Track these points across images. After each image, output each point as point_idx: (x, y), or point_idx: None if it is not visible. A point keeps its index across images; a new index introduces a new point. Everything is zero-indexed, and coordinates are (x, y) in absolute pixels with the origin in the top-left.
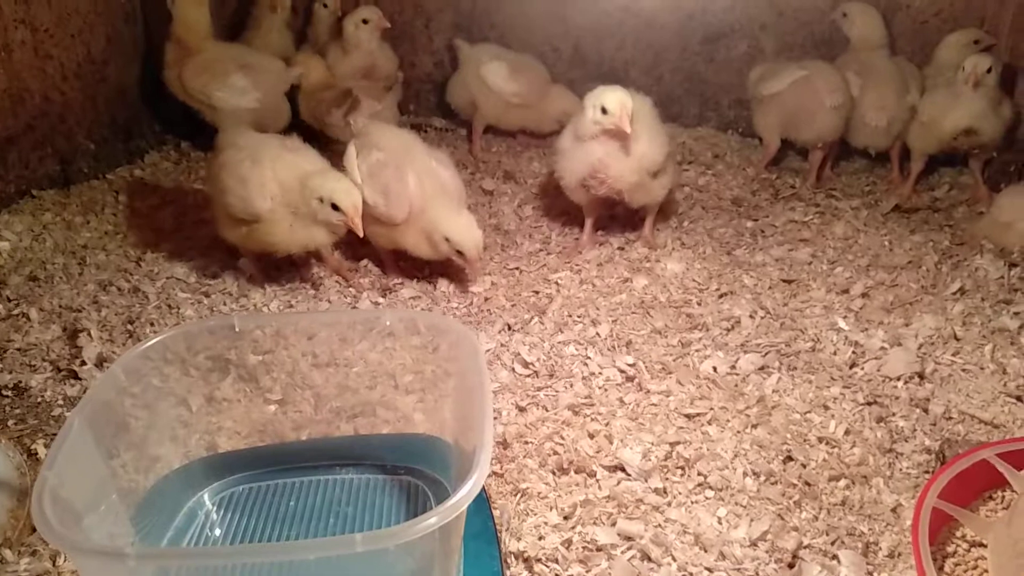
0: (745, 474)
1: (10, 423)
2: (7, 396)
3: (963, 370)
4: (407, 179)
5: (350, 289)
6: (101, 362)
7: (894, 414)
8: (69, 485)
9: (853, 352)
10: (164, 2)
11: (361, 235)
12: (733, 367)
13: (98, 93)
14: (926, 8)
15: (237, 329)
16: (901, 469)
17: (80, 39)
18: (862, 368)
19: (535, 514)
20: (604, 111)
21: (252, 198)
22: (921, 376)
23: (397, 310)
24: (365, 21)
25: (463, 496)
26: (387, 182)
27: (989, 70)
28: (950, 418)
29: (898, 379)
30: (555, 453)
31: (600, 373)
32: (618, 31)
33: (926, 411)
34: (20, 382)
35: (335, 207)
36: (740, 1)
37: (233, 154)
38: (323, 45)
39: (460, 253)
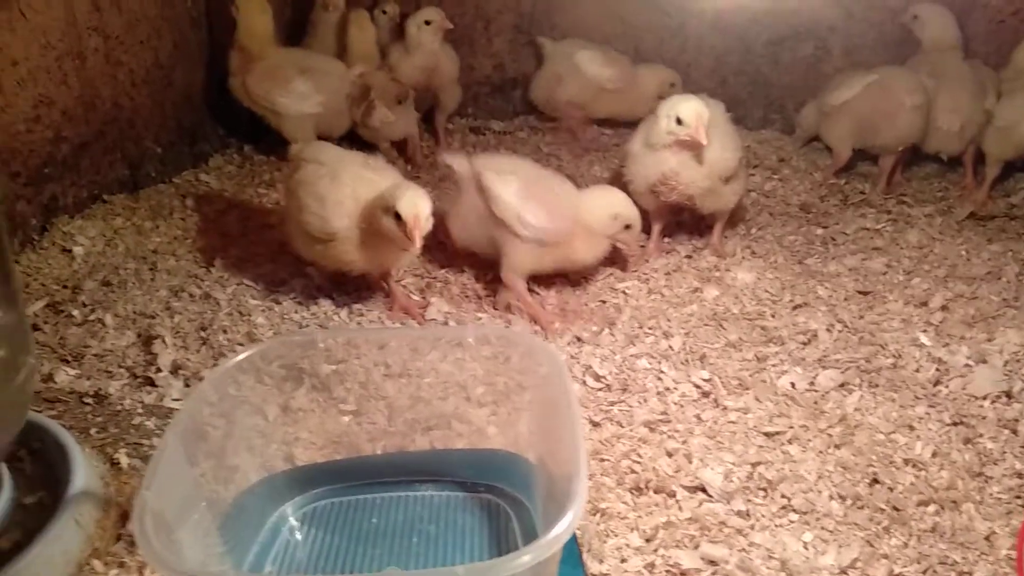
0: (831, 497)
1: (92, 431)
2: (88, 404)
3: None
4: (555, 190)
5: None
6: (176, 369)
7: (981, 435)
8: (165, 502)
9: (936, 369)
10: (228, 8)
11: (418, 248)
12: (812, 383)
13: (165, 98)
14: (1003, 7)
15: (321, 346)
16: (992, 494)
17: (148, 45)
18: (946, 386)
19: (616, 535)
20: (679, 122)
21: (329, 217)
22: (1008, 395)
23: (472, 325)
24: (428, 22)
25: (565, 528)
26: (543, 199)
27: None
28: None
29: (984, 398)
30: (633, 471)
31: (675, 388)
32: (680, 32)
33: (1015, 432)
34: (99, 389)
35: (398, 217)
36: (807, 3)
37: (313, 170)
38: (384, 46)
39: (628, 227)
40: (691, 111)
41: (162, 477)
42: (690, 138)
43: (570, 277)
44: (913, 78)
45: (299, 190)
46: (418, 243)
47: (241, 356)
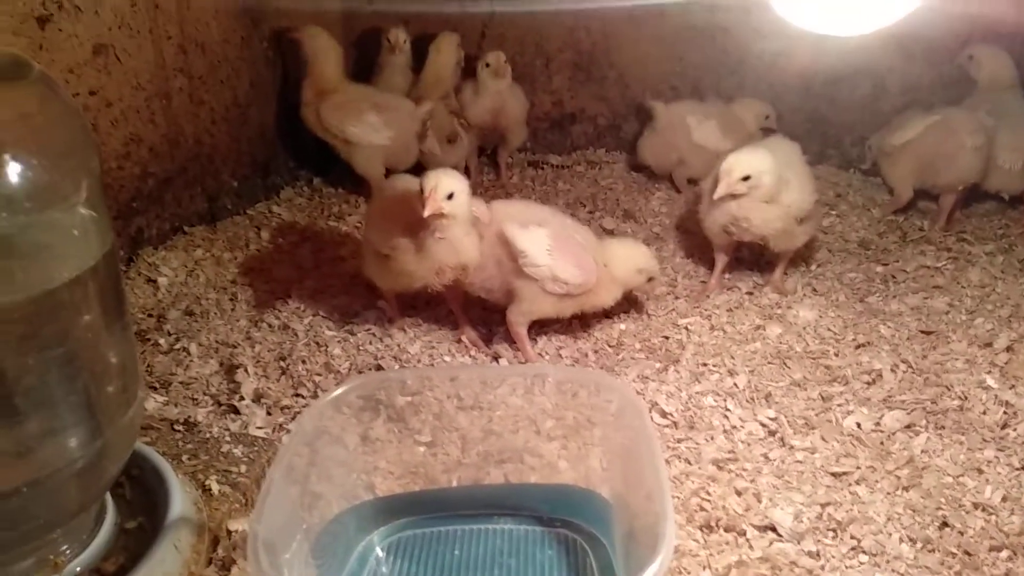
0: (901, 540)
1: (184, 458)
2: (179, 431)
3: None
4: (579, 240)
5: (490, 349)
6: (258, 398)
7: None
8: (272, 533)
9: (1004, 413)
10: (299, 46)
11: (425, 214)
12: (878, 424)
13: (241, 134)
14: None
15: (408, 383)
16: None
17: (228, 85)
18: (1014, 429)
19: (688, 573)
20: (747, 178)
21: (390, 229)
22: None
23: (540, 363)
24: (487, 65)
25: (657, 569)
26: (572, 252)
27: None
28: None
29: None
30: (703, 509)
31: (741, 427)
32: (738, 70)
33: None
34: (188, 417)
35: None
36: (866, 42)
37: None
38: (459, 84)
39: (651, 279)
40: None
41: (269, 510)
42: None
43: (631, 313)
44: (974, 119)
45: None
46: (428, 208)
47: (339, 391)
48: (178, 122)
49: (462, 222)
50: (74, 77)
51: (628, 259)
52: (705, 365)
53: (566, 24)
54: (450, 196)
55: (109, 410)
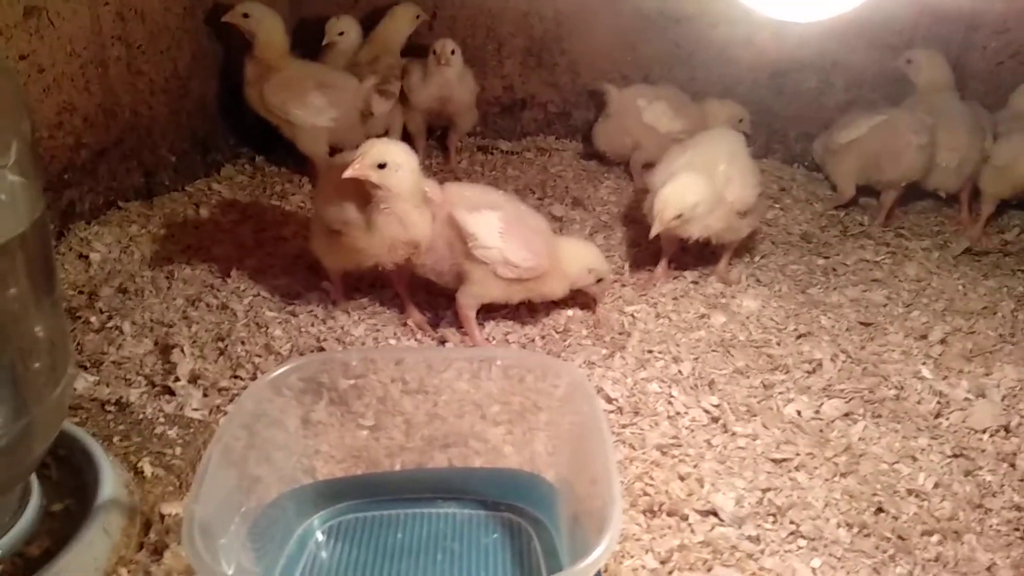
0: (838, 524)
1: (115, 439)
2: (110, 411)
3: None
4: (531, 225)
5: (436, 333)
6: (195, 379)
7: (981, 468)
8: (209, 515)
9: (938, 402)
10: (240, 23)
11: (345, 174)
12: (817, 412)
13: (181, 108)
14: (1002, 50)
15: (353, 365)
16: (992, 526)
17: (168, 55)
18: (947, 419)
19: (631, 556)
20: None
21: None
22: (1007, 429)
23: (487, 347)
24: (434, 52)
25: (603, 552)
26: (524, 236)
27: None
28: None
29: (984, 431)
30: (646, 494)
31: (685, 413)
32: (688, 61)
33: (1013, 466)
34: (120, 397)
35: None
36: (811, 37)
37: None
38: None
39: (600, 280)
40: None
41: (206, 490)
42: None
43: (578, 299)
44: (918, 118)
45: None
46: (349, 169)
47: (280, 371)
48: (115, 92)
49: (408, 196)
50: (2, 39)
51: (578, 258)
52: (651, 352)
53: (519, 9)
54: (382, 166)
55: (36, 387)
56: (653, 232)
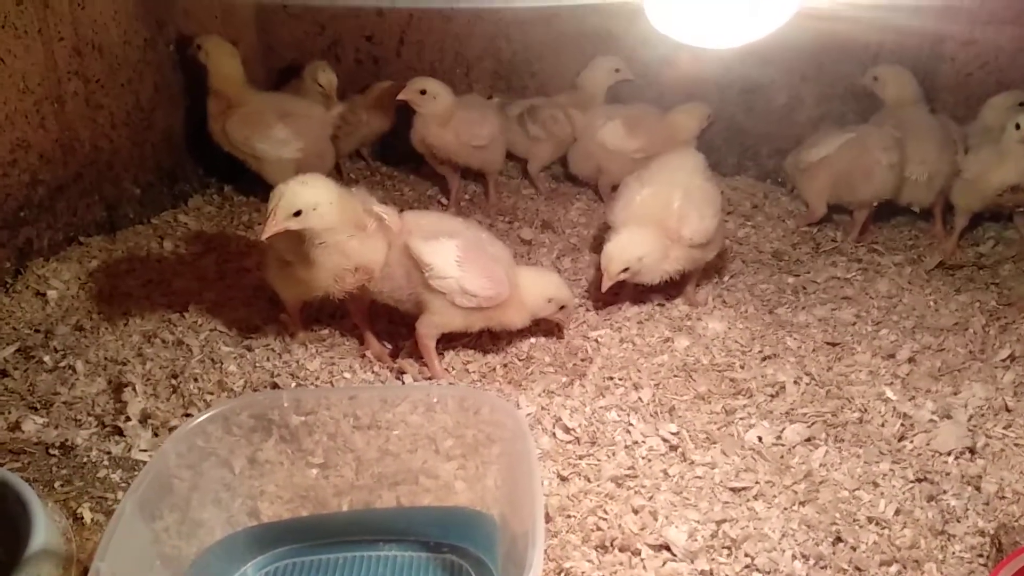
0: (793, 557)
1: (57, 485)
2: (54, 455)
3: (1015, 444)
4: (491, 252)
5: (396, 364)
6: (145, 418)
7: (945, 492)
8: (119, 570)
9: (902, 424)
10: (196, 55)
11: (262, 236)
12: (779, 438)
13: (145, 140)
14: (971, 61)
15: (285, 405)
16: (954, 553)
17: (129, 88)
18: (911, 441)
19: None
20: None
21: None
22: (972, 451)
23: (436, 385)
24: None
25: None
26: (482, 265)
27: None
28: (1003, 497)
29: (948, 454)
30: (599, 529)
31: (643, 442)
32: (656, 81)
33: (978, 489)
34: (67, 440)
35: None
36: (780, 53)
37: None
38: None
39: (563, 307)
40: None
41: (116, 544)
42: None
43: (542, 326)
44: (888, 136)
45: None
46: (265, 230)
47: (201, 418)
48: (72, 127)
49: (341, 228)
50: None
51: (537, 288)
52: (611, 379)
53: (486, 33)
54: (298, 213)
55: None
56: (604, 287)
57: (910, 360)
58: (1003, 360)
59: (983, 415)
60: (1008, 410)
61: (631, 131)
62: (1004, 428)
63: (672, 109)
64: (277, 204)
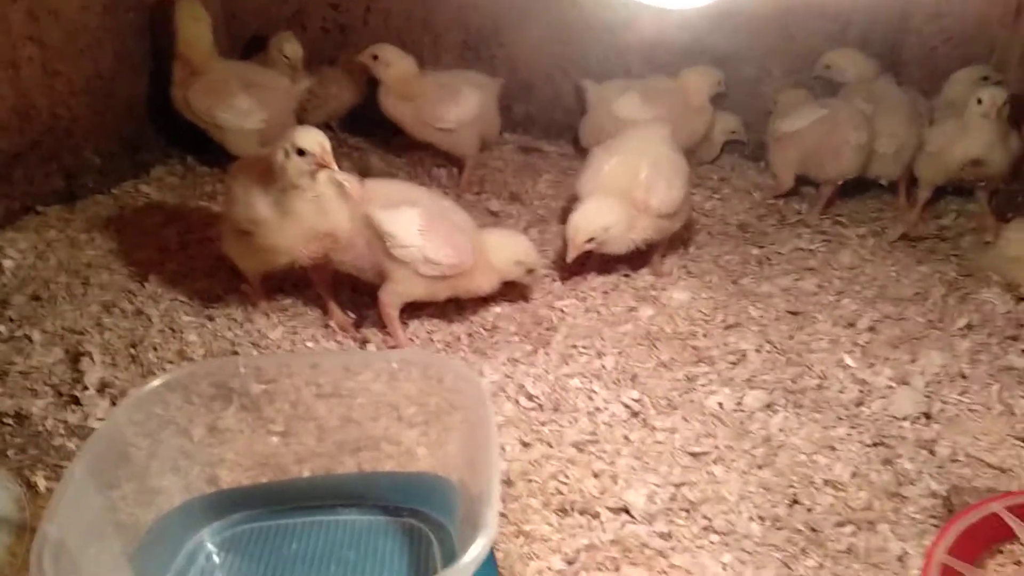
0: (751, 519)
1: (10, 453)
2: (8, 424)
3: (970, 410)
4: (454, 220)
5: (359, 333)
6: (103, 387)
7: (900, 456)
8: (69, 534)
9: (860, 391)
10: (171, 17)
11: (335, 167)
12: (739, 404)
13: (106, 108)
14: (936, 34)
15: (242, 371)
16: (907, 514)
17: (88, 55)
18: (868, 407)
19: (538, 558)
20: (301, 153)
21: (254, 203)
22: (928, 416)
23: (398, 352)
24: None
25: (471, 560)
26: (445, 233)
27: (1005, 103)
28: (956, 460)
29: (904, 419)
30: (559, 493)
31: (605, 408)
32: (625, 52)
33: (933, 453)
34: (21, 409)
35: (301, 152)
36: (748, 24)
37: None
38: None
39: (531, 271)
40: (313, 142)
41: (66, 508)
42: (319, 166)
43: (507, 295)
44: (859, 114)
45: (231, 186)
46: (334, 165)
47: (155, 383)
48: (29, 94)
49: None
50: None
51: (506, 250)
52: (575, 347)
53: (455, 2)
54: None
55: None
56: (569, 256)
57: (870, 329)
58: (960, 329)
59: (939, 382)
60: (964, 377)
61: (647, 101)
62: (959, 394)
63: (681, 73)
64: (322, 142)
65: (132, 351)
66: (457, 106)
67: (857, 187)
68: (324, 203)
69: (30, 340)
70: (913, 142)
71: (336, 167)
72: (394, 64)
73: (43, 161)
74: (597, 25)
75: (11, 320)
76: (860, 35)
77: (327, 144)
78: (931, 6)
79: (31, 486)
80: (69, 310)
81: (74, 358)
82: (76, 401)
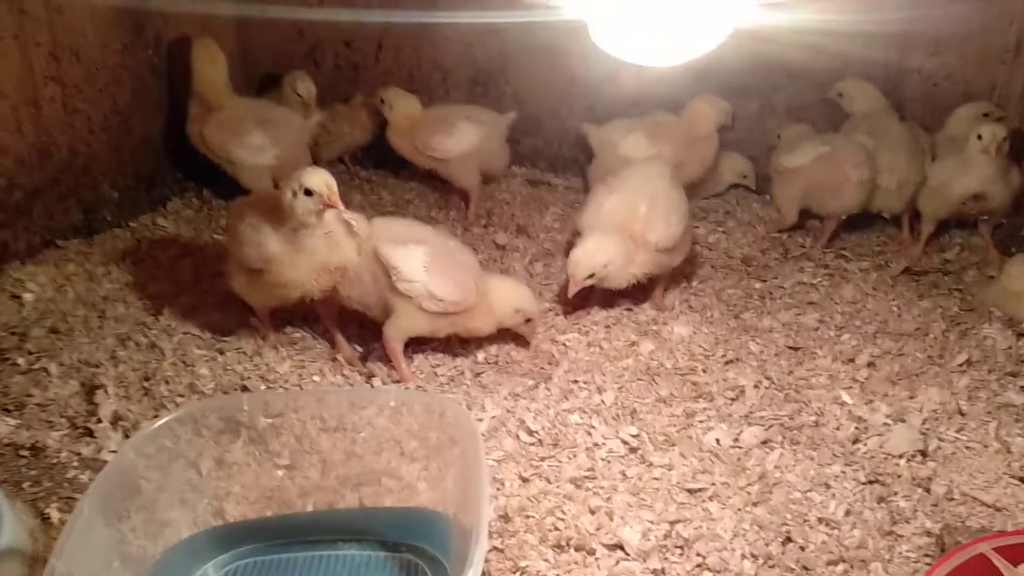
0: (743, 556)
1: (25, 485)
2: (24, 457)
3: (967, 447)
4: (458, 259)
5: (365, 367)
6: (116, 420)
7: (895, 494)
8: (77, 568)
9: (856, 428)
10: (187, 56)
11: (341, 207)
12: (736, 440)
13: (123, 144)
14: (936, 71)
15: (246, 408)
16: (900, 553)
17: (107, 93)
18: (865, 444)
19: None
20: (308, 193)
21: (264, 242)
22: (924, 454)
23: (395, 390)
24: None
25: None
26: (449, 271)
27: (1005, 139)
28: (952, 499)
29: (900, 456)
30: (556, 529)
31: (603, 444)
32: (630, 88)
33: (928, 491)
34: (37, 441)
35: (308, 192)
36: (751, 62)
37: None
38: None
39: (529, 320)
40: (320, 182)
41: (74, 543)
42: (326, 205)
43: (508, 331)
44: (861, 151)
45: (237, 227)
46: (340, 205)
47: (161, 422)
48: (49, 131)
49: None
50: None
51: (506, 298)
52: (575, 382)
53: (463, 40)
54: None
55: None
56: (570, 292)
57: (869, 365)
58: (960, 365)
59: (937, 419)
60: (962, 414)
61: (653, 139)
62: (956, 432)
63: (688, 103)
64: (328, 183)
65: (145, 384)
66: (450, 137)
67: (861, 221)
68: (334, 238)
69: (48, 372)
70: (916, 177)
71: (342, 206)
72: (396, 107)
73: (62, 196)
74: (600, 63)
75: (30, 352)
76: (860, 71)
77: (334, 184)
78: (931, 43)
79: (45, 518)
80: (86, 343)
81: (89, 391)
82: (90, 433)
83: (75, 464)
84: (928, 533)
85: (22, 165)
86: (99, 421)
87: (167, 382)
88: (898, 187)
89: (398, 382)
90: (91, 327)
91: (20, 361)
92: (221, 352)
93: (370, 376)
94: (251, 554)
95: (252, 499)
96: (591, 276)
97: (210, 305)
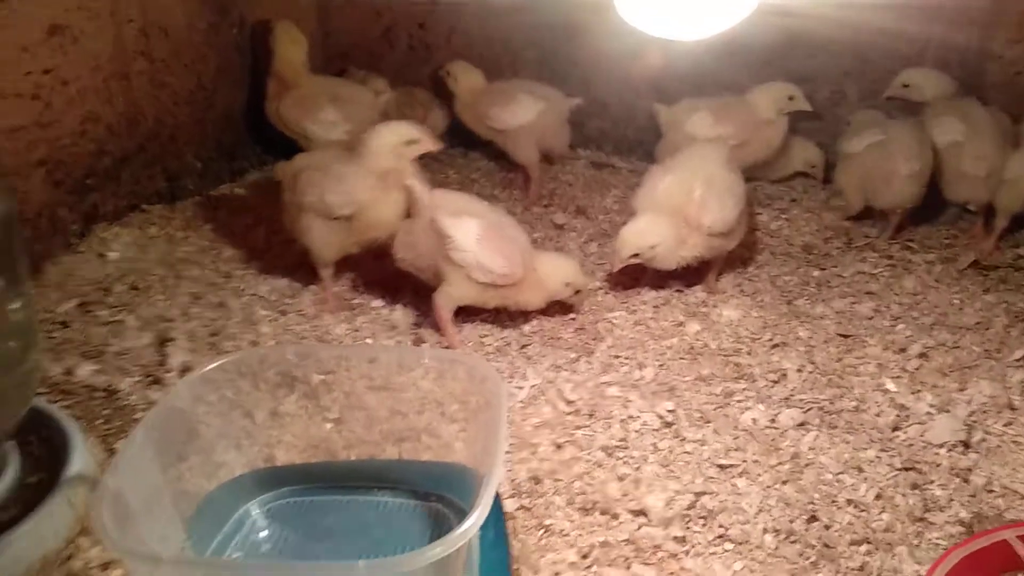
0: (765, 530)
1: (98, 423)
2: (98, 398)
3: (1014, 442)
4: (510, 234)
5: (418, 329)
6: (184, 371)
7: (932, 482)
8: (127, 489)
9: (897, 415)
10: (270, 37)
11: (436, 148)
12: (773, 421)
13: (206, 117)
14: (1019, 58)
15: (291, 358)
16: (930, 539)
17: (192, 68)
18: (904, 432)
19: (555, 551)
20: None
21: (352, 189)
22: (967, 445)
23: (442, 353)
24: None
25: (461, 532)
26: (500, 245)
27: None
28: (991, 491)
29: (941, 446)
30: (583, 493)
31: (638, 417)
32: (695, 71)
33: (967, 481)
34: (111, 385)
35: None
36: (823, 48)
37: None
38: None
39: (578, 292)
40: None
41: (126, 466)
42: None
43: (556, 305)
44: (915, 144)
45: (313, 180)
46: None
47: (210, 366)
48: (138, 103)
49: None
50: (28, 55)
51: (557, 273)
52: (617, 357)
53: (532, 23)
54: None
55: (7, 362)
56: (614, 268)
57: (921, 355)
58: (1017, 360)
59: (985, 411)
60: (1012, 408)
61: (719, 119)
62: (1004, 425)
63: (752, 90)
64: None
65: (212, 339)
66: (507, 109)
67: (932, 212)
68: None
69: (125, 325)
70: (1001, 166)
71: (432, 143)
72: (461, 79)
73: (148, 164)
74: (669, 45)
75: (111, 306)
76: (938, 58)
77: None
78: (1012, 30)
79: (113, 452)
80: (161, 300)
81: (161, 343)
82: (159, 382)
83: (143, 407)
84: (961, 523)
85: (112, 133)
86: (168, 371)
87: (232, 339)
88: (987, 176)
89: (447, 348)
90: (167, 286)
91: (102, 313)
92: (283, 313)
93: (419, 341)
94: (291, 495)
95: (301, 447)
96: (636, 255)
97: (278, 271)
